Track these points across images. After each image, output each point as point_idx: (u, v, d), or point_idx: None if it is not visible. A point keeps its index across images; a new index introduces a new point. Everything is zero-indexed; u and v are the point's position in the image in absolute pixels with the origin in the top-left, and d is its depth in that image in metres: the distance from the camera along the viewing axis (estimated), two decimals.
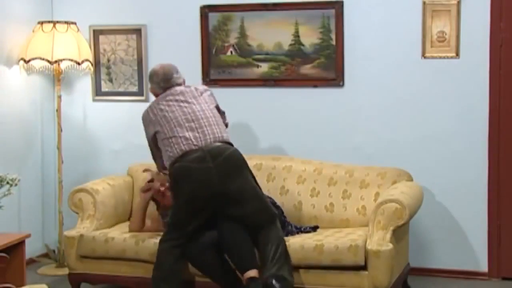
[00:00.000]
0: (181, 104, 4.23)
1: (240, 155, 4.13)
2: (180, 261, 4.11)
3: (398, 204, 4.04)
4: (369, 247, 3.98)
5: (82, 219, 4.60)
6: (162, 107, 4.24)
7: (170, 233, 4.10)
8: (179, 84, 4.38)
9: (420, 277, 4.79)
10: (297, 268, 4.06)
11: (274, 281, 3.83)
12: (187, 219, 4.05)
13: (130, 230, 4.47)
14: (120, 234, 4.45)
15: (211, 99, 4.36)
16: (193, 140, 4.09)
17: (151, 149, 4.40)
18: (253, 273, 3.95)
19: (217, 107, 4.39)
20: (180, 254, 4.09)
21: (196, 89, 4.34)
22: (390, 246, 3.98)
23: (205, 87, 4.48)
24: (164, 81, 4.36)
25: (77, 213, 4.65)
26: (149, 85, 4.50)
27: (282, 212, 4.42)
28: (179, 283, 4.10)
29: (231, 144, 4.21)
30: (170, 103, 4.24)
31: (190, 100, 4.25)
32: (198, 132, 4.12)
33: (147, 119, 4.31)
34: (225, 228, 4.05)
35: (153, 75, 4.41)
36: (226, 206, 4.04)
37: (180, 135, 4.11)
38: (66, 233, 4.56)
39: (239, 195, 4.03)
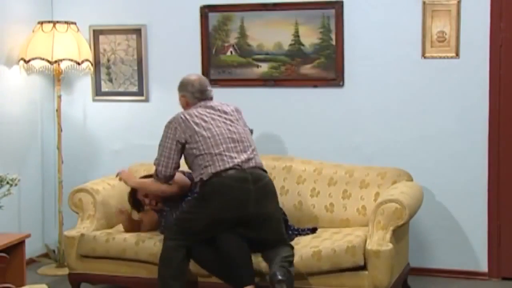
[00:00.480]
0: (226, 121, 4.18)
1: (274, 186, 4.20)
2: (186, 259, 4.09)
3: (398, 204, 4.04)
4: (369, 247, 3.98)
5: (82, 219, 4.60)
6: (206, 118, 4.14)
7: (178, 234, 4.06)
8: (211, 98, 4.31)
9: (420, 277, 4.79)
10: (297, 275, 4.02)
11: (278, 273, 3.83)
12: (204, 231, 4.03)
13: (126, 231, 4.49)
14: (120, 233, 4.46)
15: (244, 119, 4.35)
16: (238, 160, 4.04)
17: (166, 155, 4.14)
18: None
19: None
20: (187, 252, 4.06)
21: (236, 109, 4.31)
22: (390, 246, 3.98)
23: (236, 106, 4.38)
24: (200, 92, 4.26)
25: (77, 213, 4.65)
26: (179, 94, 4.33)
27: (285, 217, 4.43)
28: (186, 281, 4.07)
29: (266, 172, 4.22)
30: (214, 116, 4.17)
31: (234, 120, 4.22)
32: (242, 154, 4.08)
33: (182, 124, 4.11)
34: (224, 239, 4.01)
35: (187, 84, 4.28)
36: (246, 228, 4.02)
37: (226, 153, 4.05)
38: (66, 233, 4.56)
39: (266, 221, 4.05)
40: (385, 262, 3.95)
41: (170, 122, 4.14)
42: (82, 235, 4.44)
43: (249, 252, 4.02)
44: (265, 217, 4.05)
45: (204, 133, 4.07)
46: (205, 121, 4.12)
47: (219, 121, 4.15)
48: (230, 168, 4.01)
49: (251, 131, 4.39)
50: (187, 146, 4.09)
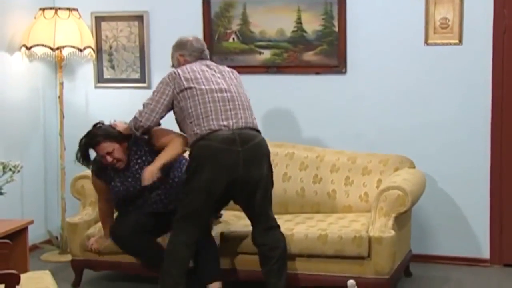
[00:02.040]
0: (219, 80, 3.96)
1: (267, 146, 3.96)
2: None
3: (401, 191, 4.04)
4: (371, 234, 3.99)
5: (84, 206, 4.61)
6: (198, 75, 3.93)
7: (182, 227, 3.88)
8: (209, 59, 4.18)
9: (422, 264, 4.80)
10: (299, 256, 4.07)
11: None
12: (202, 208, 3.85)
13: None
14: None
15: (242, 83, 4.12)
16: (224, 121, 3.83)
17: (151, 107, 3.94)
18: (217, 285, 3.99)
19: None
20: (195, 251, 3.93)
21: (232, 71, 4.11)
22: (392, 233, 3.99)
23: (234, 71, 4.19)
24: (198, 51, 4.09)
25: (79, 199, 4.65)
26: (176, 54, 4.14)
27: None
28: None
29: (259, 132, 4.00)
30: (207, 74, 3.96)
31: (227, 79, 4.00)
32: (231, 114, 3.86)
33: (173, 80, 3.93)
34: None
35: (186, 43, 4.10)
36: (241, 194, 3.90)
37: (213, 113, 3.84)
38: (68, 219, 4.57)
39: (252, 188, 3.85)
40: (387, 249, 3.97)
41: (163, 78, 4.00)
42: (84, 222, 4.46)
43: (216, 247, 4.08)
44: (252, 184, 3.84)
45: (194, 91, 3.88)
46: (196, 78, 3.92)
47: (211, 80, 3.94)
48: (217, 130, 3.81)
49: None
50: (175, 102, 3.93)
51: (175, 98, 3.92)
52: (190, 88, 3.89)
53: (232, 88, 3.97)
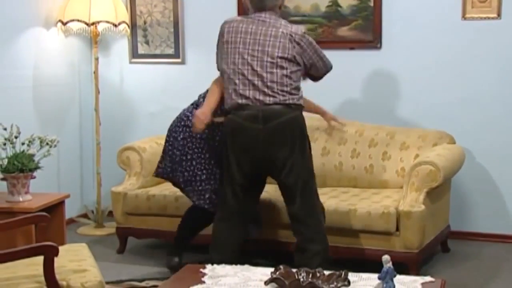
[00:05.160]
0: (258, 48, 3.68)
1: (299, 124, 3.72)
2: (235, 233, 3.85)
3: (433, 166, 4.03)
4: (401, 208, 4.00)
5: (129, 176, 4.73)
6: (238, 38, 3.71)
7: (223, 207, 3.83)
8: (272, 8, 3.76)
9: (458, 240, 4.76)
10: (329, 228, 4.04)
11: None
12: (236, 187, 3.75)
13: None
14: (160, 191, 4.54)
15: (289, 48, 3.70)
16: (252, 96, 3.65)
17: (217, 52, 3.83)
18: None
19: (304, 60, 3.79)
20: (241, 233, 3.86)
21: (291, 34, 3.71)
22: (422, 207, 3.98)
23: (301, 29, 3.83)
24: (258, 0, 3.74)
25: (124, 170, 4.75)
26: None
27: None
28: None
29: (294, 109, 3.72)
30: (248, 39, 3.69)
31: (270, 46, 3.68)
32: (260, 89, 3.66)
33: (221, 36, 3.78)
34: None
35: None
36: (271, 175, 3.78)
37: (241, 86, 3.67)
38: (113, 188, 4.67)
39: (275, 170, 3.70)
40: (416, 224, 3.97)
41: (220, 26, 3.82)
42: (125, 194, 4.57)
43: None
44: (274, 165, 3.68)
45: (229, 57, 3.72)
46: (235, 43, 3.71)
47: (248, 47, 3.69)
48: (244, 104, 3.66)
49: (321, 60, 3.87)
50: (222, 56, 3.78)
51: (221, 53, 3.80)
52: (227, 54, 3.73)
53: (267, 60, 3.67)
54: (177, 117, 4.19)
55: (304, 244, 3.77)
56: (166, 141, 4.16)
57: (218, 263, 3.22)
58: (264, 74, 3.68)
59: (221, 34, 3.80)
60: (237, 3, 5.16)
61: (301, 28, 3.85)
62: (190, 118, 4.03)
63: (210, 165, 4.04)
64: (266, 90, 3.67)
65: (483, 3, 4.69)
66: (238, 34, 3.73)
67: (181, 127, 4.10)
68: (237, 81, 3.70)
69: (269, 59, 3.69)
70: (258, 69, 3.69)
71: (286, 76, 3.71)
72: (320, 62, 3.87)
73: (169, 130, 4.17)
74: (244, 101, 3.68)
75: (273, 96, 3.67)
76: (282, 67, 3.71)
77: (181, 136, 4.07)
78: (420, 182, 4.05)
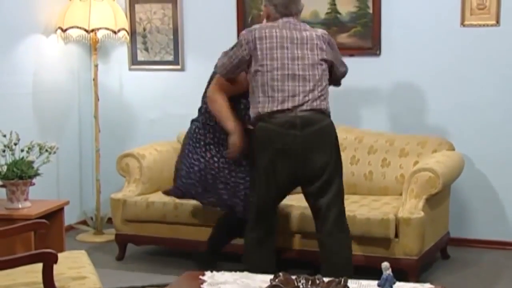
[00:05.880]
0: (297, 52, 3.63)
1: (333, 131, 3.69)
2: (269, 255, 3.75)
3: (432, 173, 4.03)
4: (400, 215, 4.00)
5: (128, 183, 4.73)
6: (274, 44, 3.61)
7: (254, 219, 3.73)
8: (297, 13, 3.76)
9: (458, 247, 4.76)
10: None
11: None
12: (266, 197, 3.68)
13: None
14: (160, 198, 4.53)
15: (325, 49, 3.71)
16: (291, 103, 3.57)
17: (225, 61, 3.75)
18: None
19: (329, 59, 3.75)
20: (270, 248, 3.75)
21: (322, 36, 3.72)
22: (421, 214, 3.98)
23: (325, 32, 3.84)
24: (284, 6, 3.71)
25: (124, 176, 4.76)
26: (263, 3, 3.84)
27: None
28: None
29: (327, 115, 3.70)
30: (285, 43, 3.62)
31: (307, 49, 3.65)
32: (299, 95, 3.59)
33: (249, 43, 3.65)
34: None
35: None
36: (307, 183, 3.66)
37: (279, 92, 3.58)
38: (112, 195, 4.67)
39: (312, 179, 3.62)
40: (416, 230, 3.97)
41: (242, 35, 3.72)
42: (125, 201, 4.57)
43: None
44: (311, 174, 3.60)
45: (264, 62, 3.60)
46: (271, 49, 3.62)
47: (286, 51, 3.62)
48: (279, 111, 3.56)
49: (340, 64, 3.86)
50: (248, 67, 3.69)
51: (249, 64, 3.68)
52: (262, 61, 3.62)
53: (306, 64, 3.63)
54: (192, 141, 4.11)
55: (332, 227, 3.68)
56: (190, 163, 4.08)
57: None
58: (307, 77, 3.63)
59: (249, 41, 3.65)
60: (236, 10, 5.16)
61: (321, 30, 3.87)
62: (207, 136, 4.06)
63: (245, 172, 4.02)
64: (306, 95, 3.61)
65: (482, 10, 4.70)
66: (274, 39, 3.65)
67: (201, 147, 4.08)
68: (275, 87, 3.60)
69: (310, 62, 3.66)
70: (300, 72, 3.63)
71: (324, 77, 3.71)
72: (340, 62, 3.90)
73: (185, 155, 4.11)
74: (280, 107, 3.58)
75: (312, 101, 3.61)
76: (323, 69, 3.70)
77: (208, 155, 4.06)
78: (420, 189, 4.05)
